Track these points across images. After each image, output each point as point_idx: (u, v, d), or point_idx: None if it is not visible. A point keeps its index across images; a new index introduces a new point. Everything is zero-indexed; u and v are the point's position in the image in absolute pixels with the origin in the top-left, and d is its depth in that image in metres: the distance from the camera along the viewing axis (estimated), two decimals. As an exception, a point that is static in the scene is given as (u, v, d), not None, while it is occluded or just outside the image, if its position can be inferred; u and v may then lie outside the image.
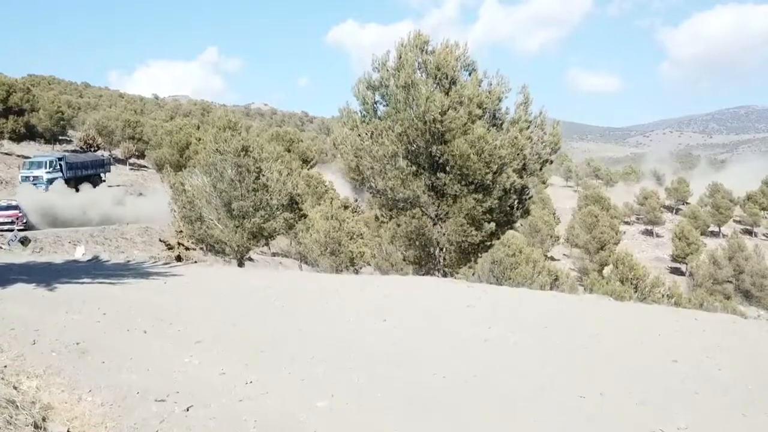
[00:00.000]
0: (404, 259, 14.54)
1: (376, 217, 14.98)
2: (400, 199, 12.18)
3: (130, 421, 3.61)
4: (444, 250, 12.31)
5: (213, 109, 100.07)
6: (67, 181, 31.56)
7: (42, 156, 33.72)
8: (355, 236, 25.11)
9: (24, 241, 19.97)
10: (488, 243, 12.62)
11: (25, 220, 23.44)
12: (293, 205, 16.04)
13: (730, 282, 39.82)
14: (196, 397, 4.04)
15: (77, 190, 31.15)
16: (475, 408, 4.08)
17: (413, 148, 11.57)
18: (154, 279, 9.90)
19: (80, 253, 17.35)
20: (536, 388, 4.46)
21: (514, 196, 12.16)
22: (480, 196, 11.39)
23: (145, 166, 52.68)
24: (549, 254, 44.84)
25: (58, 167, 31.71)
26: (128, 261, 13.90)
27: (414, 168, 11.67)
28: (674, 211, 71.38)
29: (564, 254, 50.91)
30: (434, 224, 12.19)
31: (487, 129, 11.10)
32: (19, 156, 41.57)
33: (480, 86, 11.36)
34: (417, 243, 13.00)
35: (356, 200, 41.10)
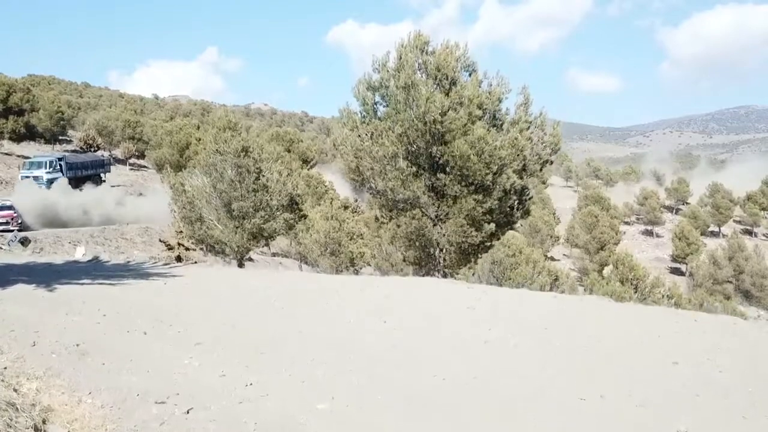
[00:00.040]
0: (404, 260, 14.54)
1: (376, 218, 14.98)
2: (400, 200, 12.18)
3: (130, 424, 3.61)
4: (444, 250, 12.30)
5: (213, 109, 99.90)
6: (68, 182, 31.56)
7: (42, 156, 33.71)
8: (355, 237, 25.10)
9: (24, 242, 19.98)
10: (488, 243, 12.62)
11: (20, 221, 23.21)
12: (293, 205, 16.02)
13: (730, 282, 39.83)
14: (197, 399, 4.04)
15: (81, 189, 31.13)
16: (475, 409, 4.08)
17: (413, 149, 11.57)
18: (154, 280, 9.88)
19: (80, 254, 17.36)
20: (536, 390, 4.46)
21: (514, 197, 12.15)
22: (480, 197, 11.39)
23: (145, 167, 52.67)
24: (549, 254, 44.85)
25: (58, 167, 31.71)
26: (128, 261, 13.90)
27: (414, 169, 11.66)
28: (674, 211, 71.37)
29: (564, 254, 50.92)
30: (434, 225, 12.19)
31: (488, 130, 11.10)
32: (19, 156, 41.57)
33: (480, 87, 11.36)
34: (417, 243, 13.00)
35: (356, 201, 41.08)
